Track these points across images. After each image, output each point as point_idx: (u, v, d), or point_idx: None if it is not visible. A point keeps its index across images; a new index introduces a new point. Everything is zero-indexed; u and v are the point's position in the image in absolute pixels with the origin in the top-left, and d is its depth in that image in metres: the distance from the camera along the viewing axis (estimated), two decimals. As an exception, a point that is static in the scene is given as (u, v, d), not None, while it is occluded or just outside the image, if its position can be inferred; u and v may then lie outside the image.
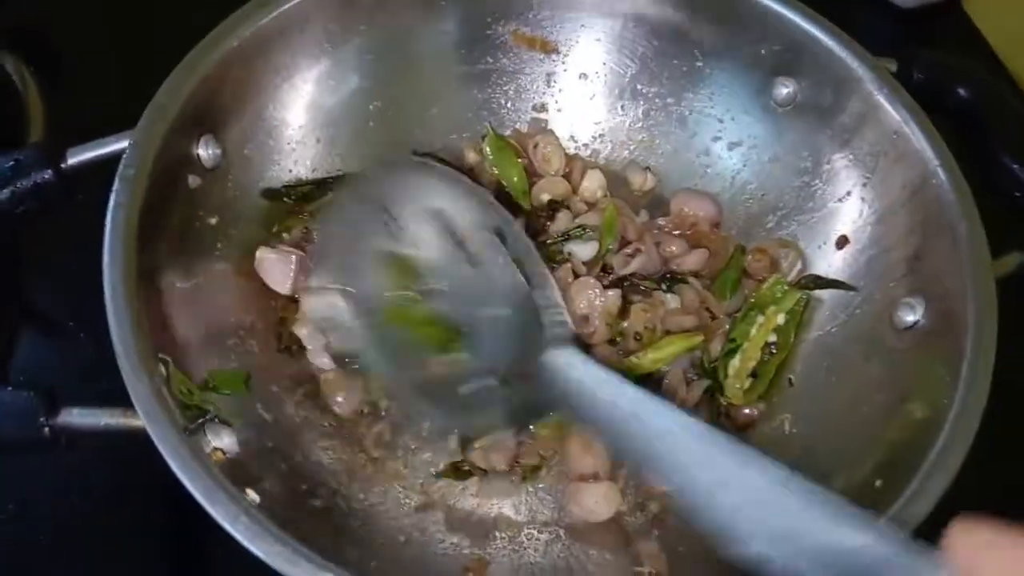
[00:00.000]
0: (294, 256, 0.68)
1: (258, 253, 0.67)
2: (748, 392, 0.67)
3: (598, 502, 0.62)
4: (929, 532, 0.49)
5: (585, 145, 0.80)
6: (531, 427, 0.64)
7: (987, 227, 0.60)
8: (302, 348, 0.67)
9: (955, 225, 0.60)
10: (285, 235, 0.70)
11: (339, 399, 0.65)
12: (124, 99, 0.58)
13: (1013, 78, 0.94)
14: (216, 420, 0.55)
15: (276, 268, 0.67)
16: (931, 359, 0.59)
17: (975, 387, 0.54)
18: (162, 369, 0.52)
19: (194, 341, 0.58)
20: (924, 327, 0.61)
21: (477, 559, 0.60)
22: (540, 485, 0.64)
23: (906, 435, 0.56)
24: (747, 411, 0.67)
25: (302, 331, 0.66)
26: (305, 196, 0.71)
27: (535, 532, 0.62)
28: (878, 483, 0.55)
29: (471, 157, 0.76)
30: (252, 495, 0.50)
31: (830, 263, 0.70)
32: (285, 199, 0.70)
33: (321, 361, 0.66)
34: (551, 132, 0.78)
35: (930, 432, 0.53)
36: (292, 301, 0.68)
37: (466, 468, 0.64)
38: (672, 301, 0.70)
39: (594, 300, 0.69)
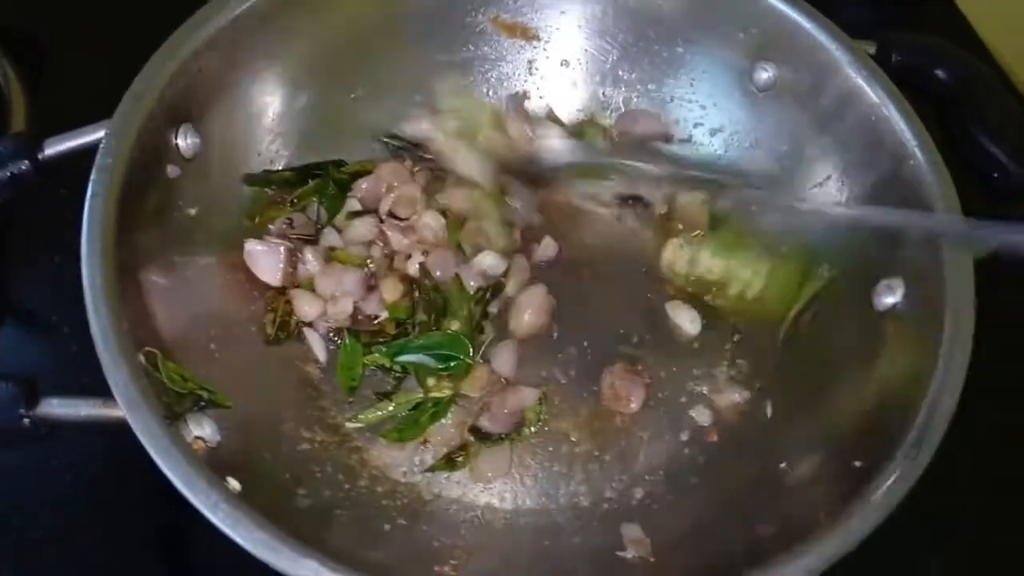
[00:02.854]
0: (283, 247, 0.68)
1: (247, 245, 0.67)
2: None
3: None
4: (909, 511, 0.50)
5: (568, 132, 0.80)
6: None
7: (965, 208, 0.60)
8: (290, 337, 0.67)
9: (933, 207, 0.61)
10: (271, 226, 0.70)
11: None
12: (107, 91, 0.57)
13: (996, 60, 0.94)
14: (213, 404, 0.56)
15: (265, 259, 0.68)
16: (910, 341, 0.59)
17: (952, 369, 0.54)
18: (142, 359, 0.52)
19: (176, 331, 0.58)
20: (903, 309, 0.61)
21: (462, 547, 0.60)
22: (526, 467, 0.65)
23: (885, 417, 0.57)
24: (734, 397, 0.68)
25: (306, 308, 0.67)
26: (287, 183, 0.71)
27: (520, 520, 0.63)
28: (857, 464, 0.55)
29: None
30: (233, 483, 0.50)
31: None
32: (267, 187, 0.70)
33: (318, 350, 0.67)
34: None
35: (909, 414, 0.54)
36: (280, 292, 0.68)
37: (457, 458, 0.64)
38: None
39: None
